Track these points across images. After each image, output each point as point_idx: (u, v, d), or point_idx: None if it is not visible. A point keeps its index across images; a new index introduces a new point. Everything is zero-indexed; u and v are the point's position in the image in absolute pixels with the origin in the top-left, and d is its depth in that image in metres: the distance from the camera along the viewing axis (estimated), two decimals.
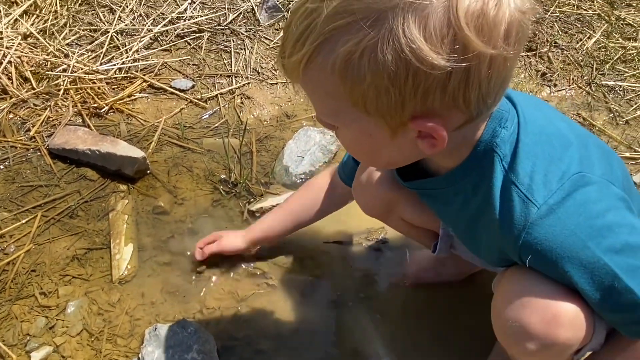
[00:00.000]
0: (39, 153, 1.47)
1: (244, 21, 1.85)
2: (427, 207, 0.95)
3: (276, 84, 1.70)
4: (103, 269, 1.25)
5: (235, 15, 1.85)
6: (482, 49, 0.58)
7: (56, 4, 1.82)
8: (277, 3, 1.86)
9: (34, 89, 1.60)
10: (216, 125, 1.58)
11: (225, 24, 1.82)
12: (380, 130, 0.67)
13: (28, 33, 1.72)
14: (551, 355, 0.76)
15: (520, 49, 0.63)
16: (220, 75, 1.70)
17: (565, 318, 0.74)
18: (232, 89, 1.66)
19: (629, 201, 0.76)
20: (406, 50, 0.58)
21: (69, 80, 1.62)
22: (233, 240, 1.24)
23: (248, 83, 1.69)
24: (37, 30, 1.74)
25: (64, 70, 1.64)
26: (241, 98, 1.65)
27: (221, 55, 1.76)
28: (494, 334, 1.02)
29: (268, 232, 1.23)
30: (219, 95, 1.65)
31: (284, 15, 1.85)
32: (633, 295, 0.71)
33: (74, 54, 1.68)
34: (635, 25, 1.95)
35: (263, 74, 1.72)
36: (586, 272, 0.71)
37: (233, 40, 1.79)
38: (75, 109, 1.57)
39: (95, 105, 1.57)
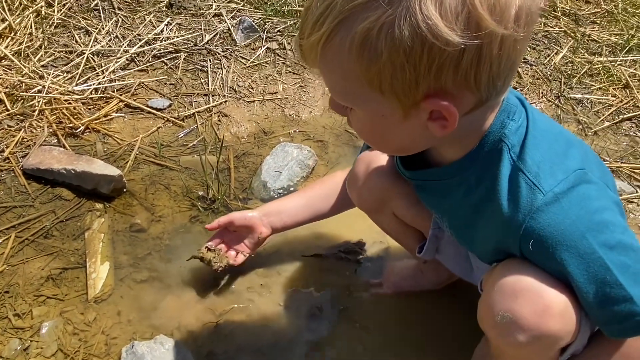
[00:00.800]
0: (13, 174, 1.45)
1: (221, 41, 1.87)
2: (421, 204, 0.96)
3: (253, 101, 1.72)
4: (78, 289, 1.23)
5: (212, 35, 1.87)
6: (494, 27, 0.61)
7: (31, 27, 1.82)
8: (253, 23, 1.89)
9: (8, 110, 1.58)
10: (193, 143, 1.58)
11: (202, 44, 1.84)
12: (393, 111, 0.68)
13: (2, 55, 1.72)
14: (540, 347, 0.77)
15: (529, 32, 0.66)
16: (197, 94, 1.71)
17: (557, 309, 0.75)
18: (209, 107, 1.68)
19: (621, 207, 0.81)
20: (422, 26, 0.60)
21: (44, 101, 1.61)
22: (244, 212, 1.22)
23: (225, 101, 1.70)
24: (12, 52, 1.73)
25: (39, 91, 1.63)
26: (218, 116, 1.66)
27: (198, 74, 1.77)
28: (474, 341, 1.04)
29: (283, 213, 1.21)
30: (196, 114, 1.66)
31: (260, 35, 1.88)
32: (622, 290, 0.73)
33: (49, 75, 1.68)
34: (599, 41, 2.02)
35: (240, 92, 1.73)
36: (582, 263, 0.73)
37: (210, 60, 1.81)
38: (51, 130, 1.56)
39: (70, 125, 1.56)
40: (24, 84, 1.65)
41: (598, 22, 2.13)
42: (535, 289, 0.75)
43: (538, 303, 0.75)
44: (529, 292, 0.75)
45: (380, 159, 1.01)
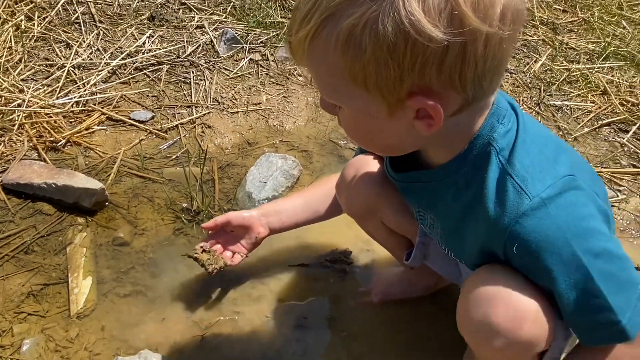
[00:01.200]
0: None
1: (203, 53, 1.87)
2: (408, 211, 0.96)
3: (237, 112, 1.71)
4: (60, 305, 1.21)
5: (194, 47, 1.87)
6: (478, 25, 0.61)
7: (11, 40, 1.80)
8: (236, 35, 1.89)
9: None
10: (177, 154, 1.57)
11: (184, 56, 1.84)
12: (379, 109, 0.68)
13: None
14: (516, 353, 0.77)
15: (516, 30, 0.66)
16: (180, 105, 1.71)
17: (530, 315, 0.75)
18: (192, 119, 1.67)
19: (608, 217, 0.80)
20: (405, 22, 0.60)
21: (24, 115, 1.59)
22: (241, 212, 1.18)
23: (208, 112, 1.70)
24: None
25: (19, 105, 1.61)
26: (202, 127, 1.66)
27: (181, 86, 1.77)
28: (462, 347, 1.04)
29: (282, 213, 1.18)
30: (179, 125, 1.65)
31: (243, 47, 1.89)
32: (603, 299, 0.73)
33: (29, 88, 1.66)
34: (577, 49, 2.06)
35: (223, 104, 1.73)
36: (565, 270, 0.73)
37: (192, 72, 1.80)
38: (31, 144, 1.53)
39: (51, 139, 1.54)
40: (3, 97, 1.63)
41: (575, 30, 2.17)
42: (508, 295, 0.76)
43: (511, 309, 0.75)
44: (503, 298, 0.76)
45: (370, 165, 1.01)
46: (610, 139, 1.73)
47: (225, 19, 1.98)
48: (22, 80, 1.70)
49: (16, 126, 1.56)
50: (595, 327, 0.76)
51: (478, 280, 0.79)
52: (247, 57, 1.86)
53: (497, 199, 0.75)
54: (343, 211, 1.17)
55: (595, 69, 1.96)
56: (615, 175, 1.60)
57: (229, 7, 2.02)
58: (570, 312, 0.75)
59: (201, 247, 1.17)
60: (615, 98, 1.84)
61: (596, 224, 0.75)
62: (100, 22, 1.92)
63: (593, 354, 0.80)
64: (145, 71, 1.78)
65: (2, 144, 1.52)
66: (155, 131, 1.62)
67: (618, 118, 1.78)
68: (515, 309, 0.75)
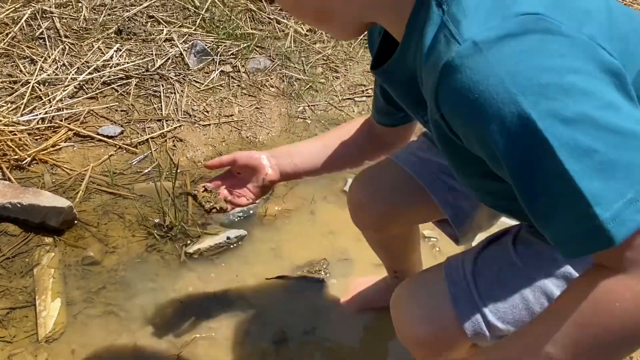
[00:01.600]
0: None
1: (173, 66, 1.84)
2: (423, 207, 0.94)
3: (209, 125, 1.69)
4: (28, 329, 1.16)
5: (164, 60, 1.84)
6: None
7: None
8: (206, 47, 1.87)
9: None
10: (148, 169, 1.53)
11: (153, 69, 1.80)
12: None
13: None
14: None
15: None
16: (151, 119, 1.67)
17: (424, 341, 0.76)
18: (163, 133, 1.64)
19: (627, 83, 0.53)
20: None
21: None
22: (250, 151, 0.98)
23: (180, 126, 1.67)
24: None
25: None
26: (173, 141, 1.63)
27: (151, 100, 1.73)
28: None
29: (295, 155, 0.98)
30: (149, 140, 1.61)
31: (213, 59, 1.87)
32: (568, 181, 0.48)
33: None
34: None
35: (195, 116, 1.70)
36: (511, 139, 0.50)
37: (162, 85, 1.77)
38: None
39: (16, 157, 1.49)
40: None
41: None
42: (407, 322, 0.77)
43: (410, 335, 0.78)
44: (404, 324, 0.78)
45: (379, 176, 0.97)
46: None
47: (194, 32, 1.96)
48: None
49: None
50: (565, 225, 0.51)
51: (395, 296, 0.80)
52: (217, 69, 1.84)
53: (429, 56, 0.56)
54: (372, 157, 1.00)
55: None
56: None
57: (199, 20, 2.00)
58: (528, 203, 0.53)
59: (203, 186, 0.99)
60: None
61: (579, 81, 0.49)
62: (66, 36, 1.87)
63: (581, 284, 0.54)
64: (113, 85, 1.74)
65: None
66: (125, 146, 1.58)
67: None
68: (411, 336, 0.77)
